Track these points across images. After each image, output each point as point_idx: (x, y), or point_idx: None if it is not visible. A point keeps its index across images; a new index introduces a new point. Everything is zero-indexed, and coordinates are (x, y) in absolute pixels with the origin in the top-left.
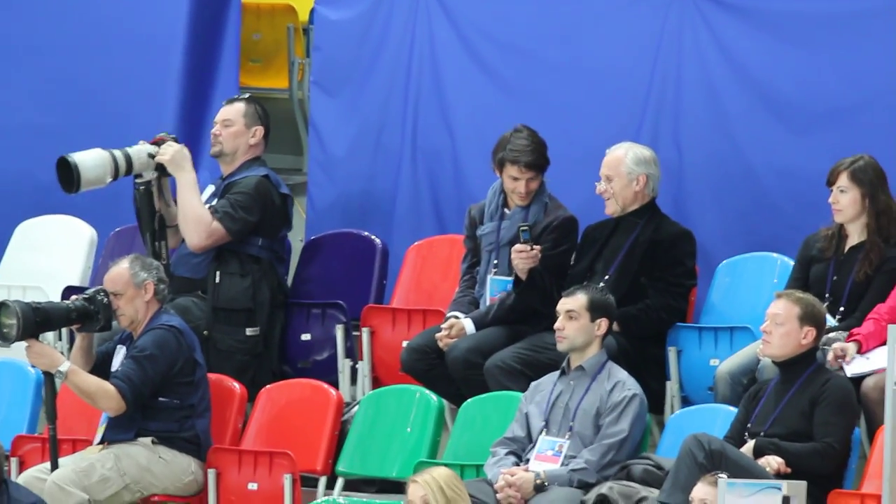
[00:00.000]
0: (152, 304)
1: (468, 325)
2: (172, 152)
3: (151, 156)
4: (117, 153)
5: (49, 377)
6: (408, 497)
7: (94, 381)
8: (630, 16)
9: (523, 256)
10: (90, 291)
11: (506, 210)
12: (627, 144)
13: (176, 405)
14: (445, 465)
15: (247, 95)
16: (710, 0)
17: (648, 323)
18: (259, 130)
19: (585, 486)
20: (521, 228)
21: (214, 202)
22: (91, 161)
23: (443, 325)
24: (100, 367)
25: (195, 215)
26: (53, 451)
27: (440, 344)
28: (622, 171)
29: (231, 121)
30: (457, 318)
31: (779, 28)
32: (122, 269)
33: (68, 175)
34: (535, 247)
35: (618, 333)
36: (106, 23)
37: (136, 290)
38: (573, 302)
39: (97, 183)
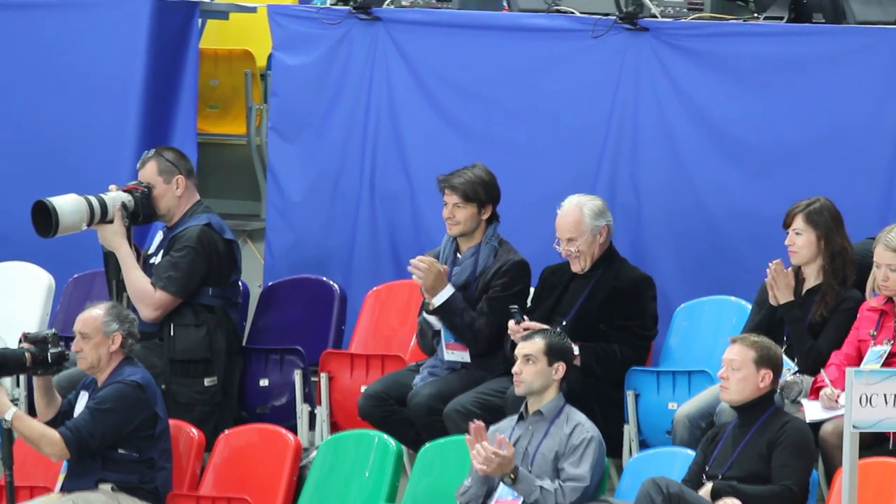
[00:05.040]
0: (116, 356)
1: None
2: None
3: (125, 204)
4: (92, 199)
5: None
6: None
7: (38, 427)
8: (587, 60)
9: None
10: (42, 335)
11: (458, 255)
12: (576, 199)
13: (135, 458)
14: None
15: (152, 151)
16: (667, 44)
17: (608, 367)
18: (180, 179)
19: None
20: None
21: (159, 256)
22: (69, 206)
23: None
24: (66, 414)
25: (137, 291)
26: (10, 498)
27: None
28: (584, 229)
29: (150, 184)
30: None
31: (734, 72)
32: (96, 313)
33: (45, 219)
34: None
35: (576, 377)
36: (63, 70)
37: (104, 338)
38: (531, 346)
39: (73, 228)
